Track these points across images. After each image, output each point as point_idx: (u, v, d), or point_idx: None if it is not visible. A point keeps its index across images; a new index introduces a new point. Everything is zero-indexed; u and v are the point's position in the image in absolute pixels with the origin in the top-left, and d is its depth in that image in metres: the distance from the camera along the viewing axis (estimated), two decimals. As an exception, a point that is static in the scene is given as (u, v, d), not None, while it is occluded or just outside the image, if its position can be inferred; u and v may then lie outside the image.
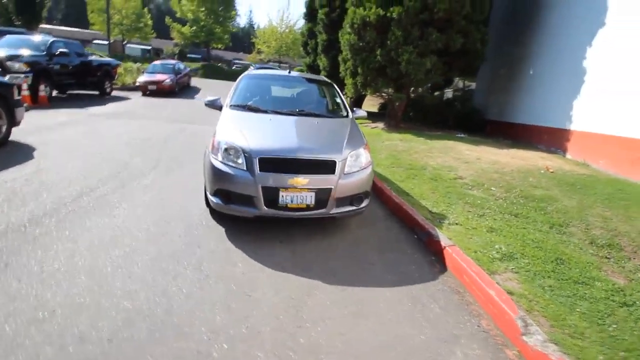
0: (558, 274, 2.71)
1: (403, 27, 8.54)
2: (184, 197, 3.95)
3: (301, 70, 36.46)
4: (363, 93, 10.78)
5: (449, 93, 16.42)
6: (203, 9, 32.93)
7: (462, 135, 9.49)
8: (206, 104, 4.19)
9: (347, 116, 4.05)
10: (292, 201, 2.92)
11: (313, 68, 17.18)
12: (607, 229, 3.46)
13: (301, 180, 2.89)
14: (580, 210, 3.90)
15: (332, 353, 1.86)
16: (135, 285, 2.28)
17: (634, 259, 3.01)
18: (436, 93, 13.77)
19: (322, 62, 14.00)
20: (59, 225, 3.03)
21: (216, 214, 3.43)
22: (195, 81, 20.87)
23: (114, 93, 13.45)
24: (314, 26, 15.33)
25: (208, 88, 17.92)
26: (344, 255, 2.94)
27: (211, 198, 3.09)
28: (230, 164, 2.97)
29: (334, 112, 4.10)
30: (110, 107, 10.53)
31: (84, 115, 8.58)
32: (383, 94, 10.64)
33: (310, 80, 4.65)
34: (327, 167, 3.00)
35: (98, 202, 3.60)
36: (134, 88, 15.32)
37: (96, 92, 12.32)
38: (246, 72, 4.57)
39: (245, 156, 2.94)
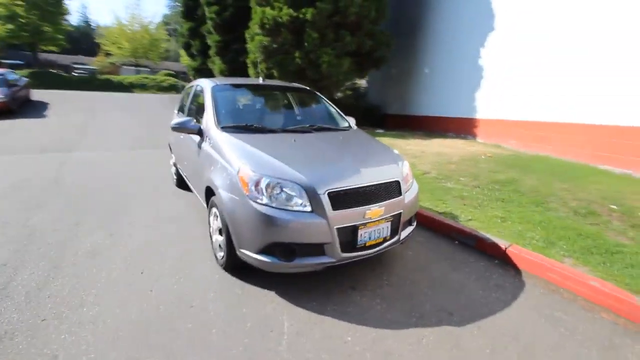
0: (595, 248, 3.05)
1: (317, 29, 8.44)
2: (171, 260, 2.80)
3: (172, 75, 32.63)
4: None
5: (339, 92, 17.37)
6: (21, 2, 25.53)
7: (381, 131, 10.13)
8: (174, 128, 3.10)
9: (350, 126, 3.63)
10: (370, 237, 2.38)
11: (202, 72, 15.45)
12: (577, 199, 4.16)
13: (377, 210, 2.38)
14: (545, 187, 4.58)
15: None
16: None
17: (614, 221, 3.68)
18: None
19: (217, 65, 12.64)
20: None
21: (243, 273, 2.55)
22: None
23: None
24: (199, 25, 13.70)
25: (60, 103, 13.94)
26: (428, 285, 2.59)
27: (259, 258, 2.24)
28: (284, 207, 2.20)
29: (339, 123, 3.61)
30: None
31: None
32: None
33: (289, 89, 3.99)
34: (394, 189, 2.56)
35: (39, 309, 2.17)
36: (-63, 110, 10.61)
37: None
38: (209, 84, 3.53)
39: (307, 193, 2.22)
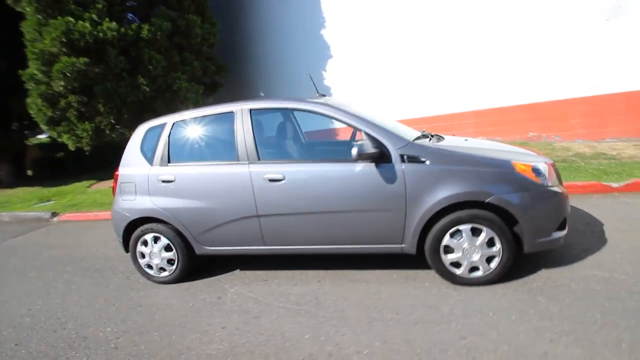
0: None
1: (158, 50, 6.97)
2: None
3: None
4: (111, 139, 7.36)
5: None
6: None
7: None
8: (362, 156, 2.28)
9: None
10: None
11: None
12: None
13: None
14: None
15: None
16: None
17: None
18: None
19: None
20: None
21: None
22: None
23: None
24: None
25: None
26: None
27: (556, 235, 2.36)
28: (552, 185, 2.45)
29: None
30: None
31: None
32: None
33: None
34: None
35: None
36: None
37: None
38: (316, 102, 2.64)
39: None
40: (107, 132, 6.86)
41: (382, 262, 2.85)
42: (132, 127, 7.06)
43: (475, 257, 2.37)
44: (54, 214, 5.98)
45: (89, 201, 6.65)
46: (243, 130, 2.71)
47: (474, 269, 2.40)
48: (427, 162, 2.38)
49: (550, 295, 2.23)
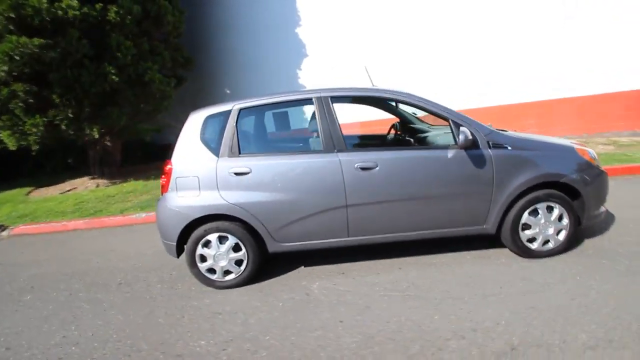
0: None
1: (125, 36, 6.20)
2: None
3: None
4: (68, 136, 6.18)
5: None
6: None
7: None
8: (466, 141, 2.40)
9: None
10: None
11: None
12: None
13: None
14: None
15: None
16: None
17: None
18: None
19: None
20: None
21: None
22: None
23: None
24: None
25: None
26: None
27: (604, 209, 2.82)
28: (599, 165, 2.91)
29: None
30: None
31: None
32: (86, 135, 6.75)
33: None
34: None
35: None
36: None
37: None
38: (399, 90, 2.67)
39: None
40: (64, 127, 5.79)
41: (449, 245, 3.01)
42: (94, 123, 6.14)
43: (550, 232, 2.67)
44: (3, 228, 4.84)
45: (41, 210, 5.53)
46: (327, 119, 2.62)
47: (546, 242, 2.71)
48: (509, 148, 2.62)
49: (609, 259, 2.63)
